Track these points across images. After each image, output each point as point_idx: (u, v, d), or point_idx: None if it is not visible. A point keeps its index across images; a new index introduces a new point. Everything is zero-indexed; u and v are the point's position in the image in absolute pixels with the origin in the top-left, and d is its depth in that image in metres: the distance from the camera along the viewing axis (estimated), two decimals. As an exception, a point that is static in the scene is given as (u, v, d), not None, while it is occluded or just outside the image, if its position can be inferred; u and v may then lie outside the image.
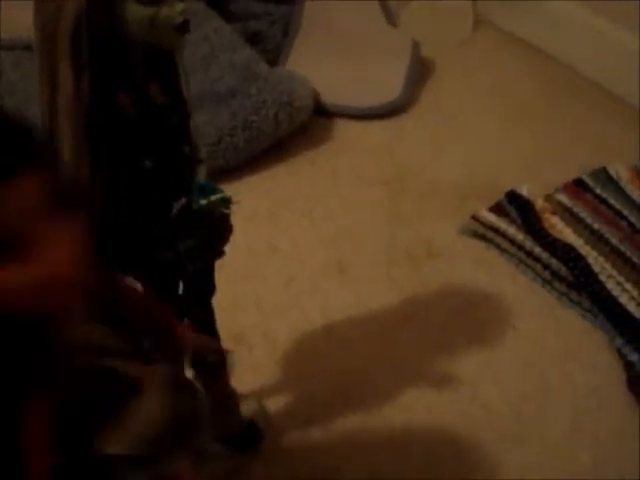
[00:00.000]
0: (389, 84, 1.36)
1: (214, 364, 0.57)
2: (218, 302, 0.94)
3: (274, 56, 1.37)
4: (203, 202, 0.61)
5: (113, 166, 0.56)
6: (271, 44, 1.40)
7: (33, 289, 0.39)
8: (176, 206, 0.60)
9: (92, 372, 0.46)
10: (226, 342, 0.89)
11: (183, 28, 0.56)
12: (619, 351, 0.98)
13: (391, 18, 1.59)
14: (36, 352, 0.41)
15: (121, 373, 0.49)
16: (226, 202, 0.63)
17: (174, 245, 0.60)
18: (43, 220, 0.37)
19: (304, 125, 1.24)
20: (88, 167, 0.55)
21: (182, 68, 0.62)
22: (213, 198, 0.62)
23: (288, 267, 1.05)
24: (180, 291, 0.68)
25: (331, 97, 1.30)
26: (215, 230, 0.64)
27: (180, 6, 0.55)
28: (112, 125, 0.56)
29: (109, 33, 0.54)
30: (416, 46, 1.45)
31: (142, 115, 0.57)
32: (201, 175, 0.64)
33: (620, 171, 1.26)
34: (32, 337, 0.40)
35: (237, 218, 1.09)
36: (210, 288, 0.71)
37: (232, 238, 1.02)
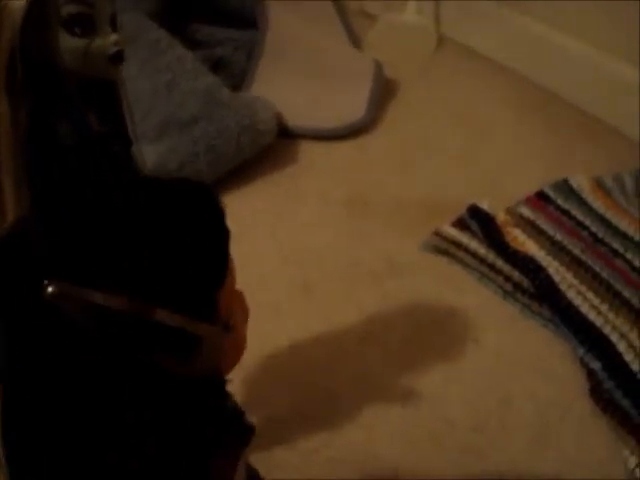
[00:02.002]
0: (353, 105, 1.38)
1: None
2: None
3: (240, 81, 1.39)
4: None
5: (53, 195, 0.57)
6: (236, 69, 1.42)
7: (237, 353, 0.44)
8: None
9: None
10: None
11: (117, 58, 0.57)
12: (581, 360, 0.99)
13: (355, 40, 1.62)
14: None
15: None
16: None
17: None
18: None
19: (268, 147, 1.26)
20: (28, 198, 0.56)
21: (124, 96, 0.63)
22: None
23: (252, 289, 1.05)
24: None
25: (295, 119, 1.32)
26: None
27: (113, 37, 0.56)
28: (50, 153, 0.57)
29: (44, 64, 0.55)
30: (379, 66, 1.47)
31: (81, 144, 0.58)
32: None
33: (582, 183, 1.28)
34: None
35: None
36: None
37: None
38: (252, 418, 0.57)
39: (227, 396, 0.49)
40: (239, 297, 0.44)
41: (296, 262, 1.10)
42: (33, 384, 0.37)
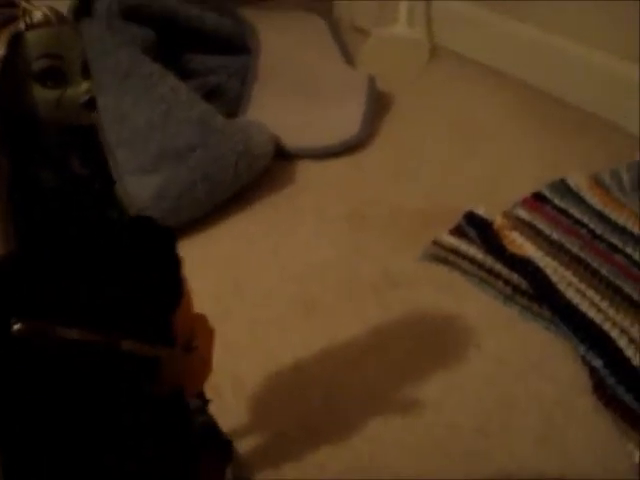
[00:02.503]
0: (347, 122, 1.41)
1: None
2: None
3: (235, 107, 1.42)
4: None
5: (39, 236, 0.60)
6: (231, 95, 1.45)
7: (203, 371, 0.47)
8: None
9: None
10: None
11: (90, 105, 0.60)
12: (583, 358, 1.00)
13: (349, 57, 1.64)
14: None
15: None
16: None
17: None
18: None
19: (265, 170, 1.29)
20: (14, 240, 0.59)
21: (102, 138, 0.66)
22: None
23: (254, 308, 1.08)
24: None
25: (290, 140, 1.35)
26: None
27: (85, 85, 0.59)
28: (34, 200, 0.60)
29: (20, 116, 0.58)
30: (372, 81, 1.50)
31: (64, 187, 0.61)
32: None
33: (579, 181, 1.29)
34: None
35: (203, 267, 1.14)
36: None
37: (197, 286, 1.07)
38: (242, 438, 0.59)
39: (198, 413, 0.52)
40: (201, 320, 0.47)
41: (297, 279, 1.12)
42: (13, 415, 0.39)
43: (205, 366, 0.48)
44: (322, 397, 0.96)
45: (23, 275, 0.42)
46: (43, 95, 0.58)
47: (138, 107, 1.24)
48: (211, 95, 1.41)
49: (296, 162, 1.34)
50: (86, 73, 0.60)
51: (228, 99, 1.43)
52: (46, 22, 0.58)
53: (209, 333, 0.48)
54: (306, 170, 1.33)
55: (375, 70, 1.56)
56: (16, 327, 0.38)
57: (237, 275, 1.13)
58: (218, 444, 0.54)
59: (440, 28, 1.71)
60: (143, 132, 1.22)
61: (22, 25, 0.57)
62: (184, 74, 1.40)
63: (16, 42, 0.57)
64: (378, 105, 1.47)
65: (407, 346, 1.02)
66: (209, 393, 0.94)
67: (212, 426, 0.55)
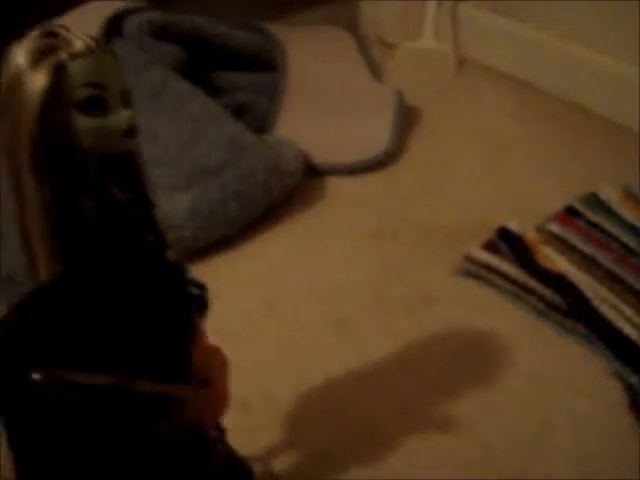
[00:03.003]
0: (376, 137, 1.41)
1: None
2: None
3: (264, 124, 1.43)
4: (171, 286, 0.65)
5: (82, 262, 0.61)
6: (259, 112, 1.46)
7: (219, 404, 0.49)
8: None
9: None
10: (230, 408, 0.93)
11: (131, 133, 0.60)
12: (618, 374, 0.99)
13: (376, 71, 1.65)
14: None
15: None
16: (195, 283, 0.67)
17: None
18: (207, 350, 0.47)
19: (295, 187, 1.29)
20: (59, 266, 0.59)
21: (142, 163, 0.66)
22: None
23: (287, 327, 1.08)
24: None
25: (320, 156, 1.35)
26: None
27: (125, 113, 0.60)
28: (77, 226, 0.61)
29: (63, 145, 0.59)
30: (399, 95, 1.50)
31: (105, 214, 0.62)
32: (170, 259, 0.68)
33: (611, 194, 1.28)
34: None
35: (236, 285, 1.15)
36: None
37: (231, 304, 1.07)
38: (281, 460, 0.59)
39: (217, 444, 0.52)
40: (215, 352, 0.48)
41: (328, 297, 1.12)
42: (32, 460, 0.40)
43: (221, 399, 0.48)
44: (356, 416, 0.96)
45: (40, 321, 0.42)
46: (85, 123, 0.58)
47: (169, 125, 1.25)
48: (239, 112, 1.41)
49: (326, 178, 1.35)
50: (126, 101, 0.61)
51: (256, 116, 1.44)
52: (87, 51, 0.58)
53: (223, 365, 0.49)
54: (336, 186, 1.33)
55: (402, 83, 1.56)
56: (35, 377, 0.39)
57: (269, 293, 1.13)
58: (239, 475, 0.54)
59: (466, 40, 1.71)
60: (174, 150, 1.23)
61: (64, 55, 0.58)
62: (212, 91, 1.41)
63: (58, 72, 0.57)
64: (406, 119, 1.47)
65: (441, 363, 1.02)
66: (242, 413, 0.95)
67: (232, 456, 0.55)
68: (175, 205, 1.15)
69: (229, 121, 1.28)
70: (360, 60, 1.67)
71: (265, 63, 1.55)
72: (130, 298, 0.43)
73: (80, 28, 0.63)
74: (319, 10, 1.92)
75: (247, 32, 1.57)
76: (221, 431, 0.62)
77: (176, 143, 1.24)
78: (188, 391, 0.42)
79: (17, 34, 0.60)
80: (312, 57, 1.60)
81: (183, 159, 1.22)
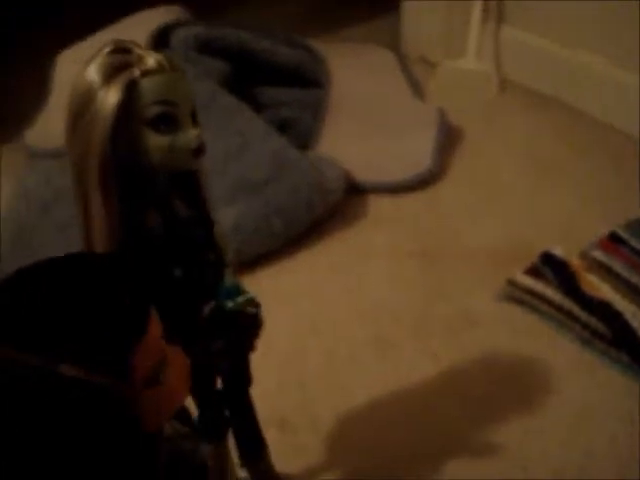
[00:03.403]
0: (418, 156, 1.41)
1: None
2: (264, 386, 0.98)
3: (307, 140, 1.43)
4: (230, 304, 0.65)
5: (145, 278, 0.61)
6: (303, 128, 1.46)
7: (166, 408, 0.49)
8: (206, 309, 0.65)
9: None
10: (270, 427, 0.93)
11: (199, 151, 0.61)
12: (663, 406, 0.98)
13: (417, 90, 1.64)
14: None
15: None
16: (252, 302, 0.67)
17: (206, 346, 0.65)
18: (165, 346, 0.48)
19: (337, 204, 1.29)
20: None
21: (205, 182, 0.67)
22: (240, 300, 0.66)
23: (329, 345, 1.08)
24: (218, 387, 0.73)
25: (362, 175, 1.35)
26: (245, 328, 0.68)
27: (194, 132, 0.60)
28: (142, 242, 0.61)
29: (133, 162, 0.59)
30: (442, 114, 1.49)
31: (169, 230, 0.62)
32: (228, 278, 0.68)
33: (655, 221, 1.26)
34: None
35: (279, 301, 1.15)
36: (246, 381, 0.75)
37: (275, 321, 1.07)
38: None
39: (183, 439, 0.53)
40: (174, 354, 0.48)
41: (371, 317, 1.12)
42: None
43: (170, 400, 0.48)
44: (398, 438, 0.96)
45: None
46: (156, 141, 0.59)
47: (216, 139, 1.25)
48: (283, 128, 1.42)
49: (368, 196, 1.35)
50: (195, 119, 0.61)
51: (299, 132, 1.44)
52: (159, 69, 0.59)
53: (181, 368, 0.50)
54: (378, 205, 1.33)
55: (444, 103, 1.56)
56: None
57: (311, 310, 1.13)
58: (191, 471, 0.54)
59: (509, 60, 1.71)
60: (220, 164, 1.23)
61: (137, 72, 0.58)
62: (256, 107, 1.42)
63: (131, 89, 0.58)
64: (448, 139, 1.46)
65: (484, 388, 1.01)
66: (283, 431, 0.95)
67: (187, 456, 0.55)
68: (220, 218, 1.15)
69: (274, 137, 1.29)
70: (402, 78, 1.67)
71: (308, 79, 1.56)
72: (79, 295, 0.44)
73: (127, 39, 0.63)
74: (361, 27, 1.92)
75: (291, 48, 1.57)
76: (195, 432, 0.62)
77: (222, 157, 1.24)
78: (122, 386, 0.43)
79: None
80: (355, 74, 1.60)
81: (228, 173, 1.23)
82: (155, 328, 0.46)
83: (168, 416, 0.50)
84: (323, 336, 1.09)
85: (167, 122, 0.59)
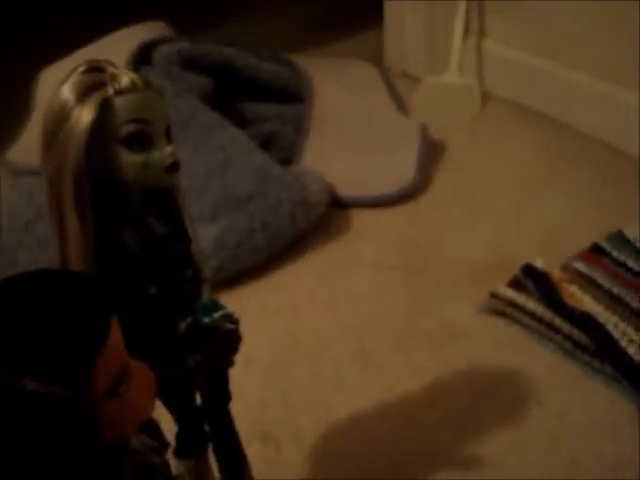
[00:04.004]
0: (401, 170, 1.41)
1: None
2: (247, 401, 0.98)
3: (290, 154, 1.44)
4: (206, 320, 0.65)
5: (119, 295, 0.61)
6: (286, 143, 1.47)
7: (129, 420, 0.49)
8: (182, 325, 0.65)
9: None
10: (253, 441, 0.93)
11: (173, 168, 0.61)
12: (646, 417, 0.98)
13: (401, 104, 1.65)
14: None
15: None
16: (229, 318, 0.67)
17: (183, 361, 0.65)
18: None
19: (321, 218, 1.29)
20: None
21: (182, 198, 0.67)
22: (216, 316, 0.66)
23: (312, 360, 1.08)
24: (197, 402, 0.73)
25: (345, 189, 1.36)
26: (222, 343, 0.68)
27: (169, 149, 0.60)
28: (117, 259, 0.61)
29: (107, 180, 0.60)
30: (425, 129, 1.50)
31: (144, 247, 0.63)
32: (205, 294, 0.68)
33: (637, 232, 1.27)
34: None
35: (262, 315, 1.15)
36: (226, 396, 0.75)
37: (257, 335, 1.08)
38: None
39: (151, 453, 0.53)
40: (138, 368, 0.49)
41: (354, 330, 1.12)
42: None
43: (132, 413, 0.49)
44: (381, 453, 0.95)
45: None
46: (129, 159, 0.59)
47: (197, 156, 1.26)
48: (266, 143, 1.43)
49: (351, 210, 1.35)
50: (169, 136, 0.61)
51: (282, 147, 1.45)
52: (133, 87, 0.59)
53: (146, 382, 0.50)
54: (361, 218, 1.33)
55: (427, 117, 1.57)
56: None
57: (294, 325, 1.13)
58: None
59: (491, 75, 1.72)
60: (202, 181, 1.24)
61: (110, 91, 0.59)
62: (239, 122, 1.42)
63: (104, 107, 0.58)
64: (431, 153, 1.47)
65: (467, 402, 1.01)
66: (268, 446, 0.95)
67: (162, 470, 0.55)
68: (202, 236, 1.15)
69: (257, 152, 1.29)
70: (385, 93, 1.68)
71: (292, 95, 1.57)
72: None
73: (109, 57, 0.64)
74: (344, 43, 1.94)
75: (275, 64, 1.58)
76: (164, 444, 0.62)
77: (204, 173, 1.25)
78: (82, 397, 0.43)
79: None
80: (338, 89, 1.61)
81: (210, 189, 1.23)
82: (116, 339, 0.46)
83: (132, 428, 0.50)
84: (306, 350, 1.09)
85: (141, 140, 0.59)
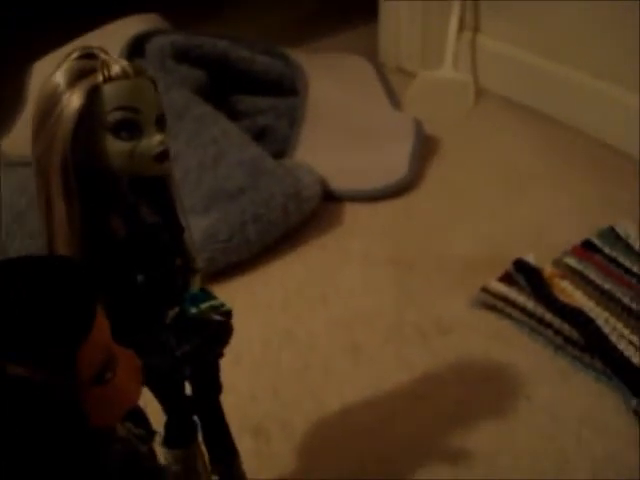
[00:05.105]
0: (394, 165, 1.41)
1: None
2: (237, 393, 0.98)
3: (283, 148, 1.44)
4: (193, 310, 0.65)
5: (107, 283, 0.61)
6: (279, 136, 1.47)
7: (115, 407, 0.49)
8: (170, 315, 0.65)
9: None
10: (244, 434, 0.92)
11: (162, 157, 0.61)
12: (635, 412, 0.98)
13: (395, 99, 1.65)
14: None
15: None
16: (217, 309, 0.67)
17: (170, 351, 0.64)
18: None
19: (313, 212, 1.29)
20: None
21: (174, 188, 0.67)
22: (203, 307, 0.66)
23: (303, 353, 1.08)
24: (186, 393, 0.72)
25: (338, 183, 1.36)
26: (211, 335, 0.68)
27: (158, 138, 0.60)
28: (103, 245, 0.61)
29: (94, 168, 0.59)
30: (418, 124, 1.50)
31: (133, 235, 0.62)
32: (195, 284, 0.68)
33: (628, 229, 1.27)
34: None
35: (253, 308, 1.15)
36: (216, 388, 0.75)
37: (248, 328, 1.07)
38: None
39: (138, 441, 0.53)
40: (124, 355, 0.49)
41: (345, 325, 1.12)
42: None
43: (118, 400, 0.49)
44: (371, 446, 0.95)
45: None
46: (116, 146, 0.59)
47: (190, 148, 1.26)
48: (259, 136, 1.42)
49: (343, 204, 1.35)
50: (161, 125, 0.61)
51: (276, 140, 1.45)
52: (124, 75, 0.59)
53: (132, 369, 0.50)
54: (354, 212, 1.33)
55: (421, 112, 1.57)
56: None
57: (285, 318, 1.13)
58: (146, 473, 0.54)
59: (486, 70, 1.72)
60: (195, 173, 1.24)
61: (100, 78, 0.59)
62: (233, 115, 1.42)
63: (93, 94, 0.58)
64: (425, 148, 1.47)
65: (456, 395, 1.01)
66: (258, 439, 0.95)
67: (148, 458, 0.55)
68: (193, 228, 1.15)
69: (250, 145, 1.29)
70: (379, 88, 1.68)
71: (286, 88, 1.57)
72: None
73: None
74: (339, 37, 1.94)
75: (269, 57, 1.58)
76: (151, 432, 0.62)
77: (196, 166, 1.25)
78: (60, 381, 0.43)
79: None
80: (332, 83, 1.61)
81: (203, 182, 1.23)
82: (102, 325, 0.46)
83: (118, 415, 0.50)
84: (297, 343, 1.09)
85: (128, 128, 0.59)
